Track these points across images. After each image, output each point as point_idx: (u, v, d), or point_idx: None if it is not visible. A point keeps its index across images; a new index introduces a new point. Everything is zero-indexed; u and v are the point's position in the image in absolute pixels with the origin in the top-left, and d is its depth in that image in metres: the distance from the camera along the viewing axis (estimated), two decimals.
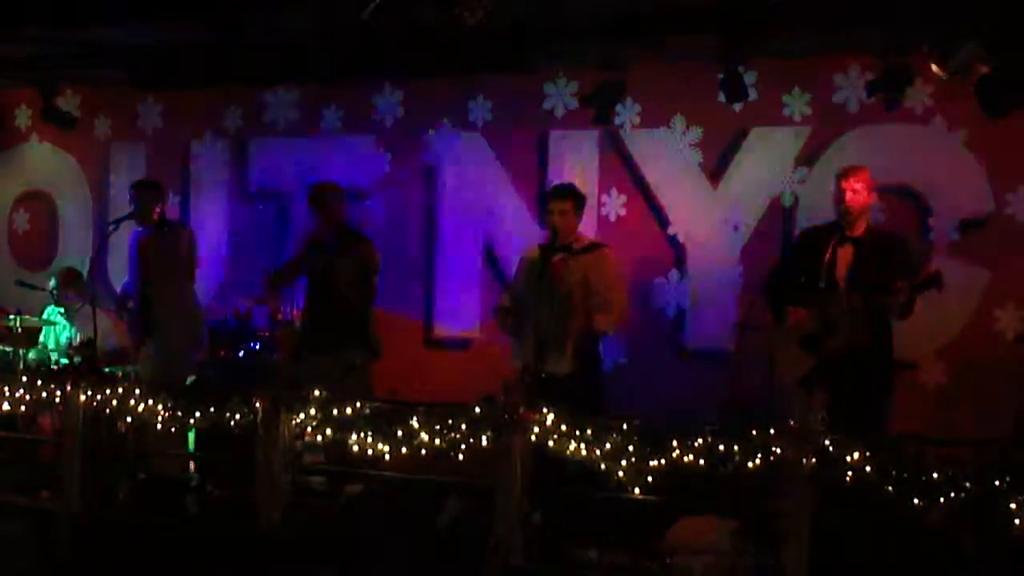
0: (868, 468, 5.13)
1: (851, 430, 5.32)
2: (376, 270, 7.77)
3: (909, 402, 6.80)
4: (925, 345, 7.69)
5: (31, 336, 9.42)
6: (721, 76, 7.62)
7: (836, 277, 6.62)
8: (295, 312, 8.16)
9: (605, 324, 7.25)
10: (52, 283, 9.43)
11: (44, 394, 6.91)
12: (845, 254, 6.65)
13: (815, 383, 6.53)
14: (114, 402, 6.74)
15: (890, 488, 5.11)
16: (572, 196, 7.32)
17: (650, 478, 5.52)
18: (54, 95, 9.55)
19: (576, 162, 8.79)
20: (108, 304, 8.93)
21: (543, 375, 6.88)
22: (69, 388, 6.78)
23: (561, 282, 7.11)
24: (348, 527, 6.43)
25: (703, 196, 8.50)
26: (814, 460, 5.21)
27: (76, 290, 9.19)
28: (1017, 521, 4.90)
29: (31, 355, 9.12)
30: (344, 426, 6.13)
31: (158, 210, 8.38)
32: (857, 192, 6.63)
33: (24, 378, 7.08)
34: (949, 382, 7.73)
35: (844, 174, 6.74)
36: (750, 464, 5.33)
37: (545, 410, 5.72)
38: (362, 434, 6.07)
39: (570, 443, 5.65)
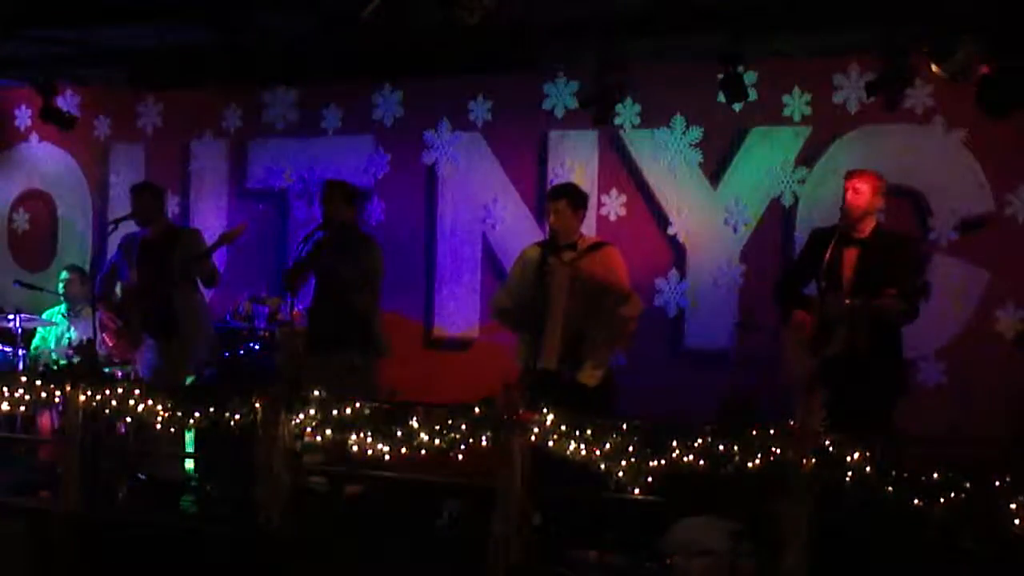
0: (868, 468, 5.12)
1: (852, 432, 5.32)
2: (379, 271, 7.74)
3: (909, 402, 6.79)
4: (925, 345, 7.70)
5: (31, 336, 9.44)
6: (721, 76, 7.62)
7: (840, 278, 6.59)
8: (294, 312, 8.15)
9: (634, 324, 7.19)
10: (64, 275, 9.44)
11: (44, 394, 6.91)
12: (851, 255, 6.62)
13: (817, 385, 6.53)
14: (114, 402, 6.73)
15: (890, 488, 5.11)
16: (566, 195, 7.22)
17: (650, 478, 5.52)
18: (54, 95, 9.55)
19: (575, 162, 8.79)
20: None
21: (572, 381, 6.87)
22: (69, 388, 6.78)
23: (588, 284, 7.01)
24: (348, 527, 6.43)
25: (703, 196, 8.50)
26: (814, 460, 5.21)
27: (85, 290, 9.20)
28: (1017, 521, 4.90)
29: (31, 355, 9.14)
30: (344, 426, 6.13)
31: (157, 213, 8.33)
32: (859, 193, 6.60)
33: (24, 378, 7.08)
34: (949, 382, 7.73)
35: (849, 175, 6.73)
36: (750, 464, 5.33)
37: (545, 410, 5.72)
38: (362, 434, 6.06)
39: (570, 443, 5.65)
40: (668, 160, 8.58)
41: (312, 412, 6.19)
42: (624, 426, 5.60)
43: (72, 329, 9.26)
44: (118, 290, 8.38)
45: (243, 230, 8.24)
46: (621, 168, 8.73)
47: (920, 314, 6.63)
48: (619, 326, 7.00)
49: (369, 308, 7.65)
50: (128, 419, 7.07)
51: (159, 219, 8.27)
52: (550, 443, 5.67)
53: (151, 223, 8.19)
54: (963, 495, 5.01)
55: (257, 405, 6.30)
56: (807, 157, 8.20)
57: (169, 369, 7.92)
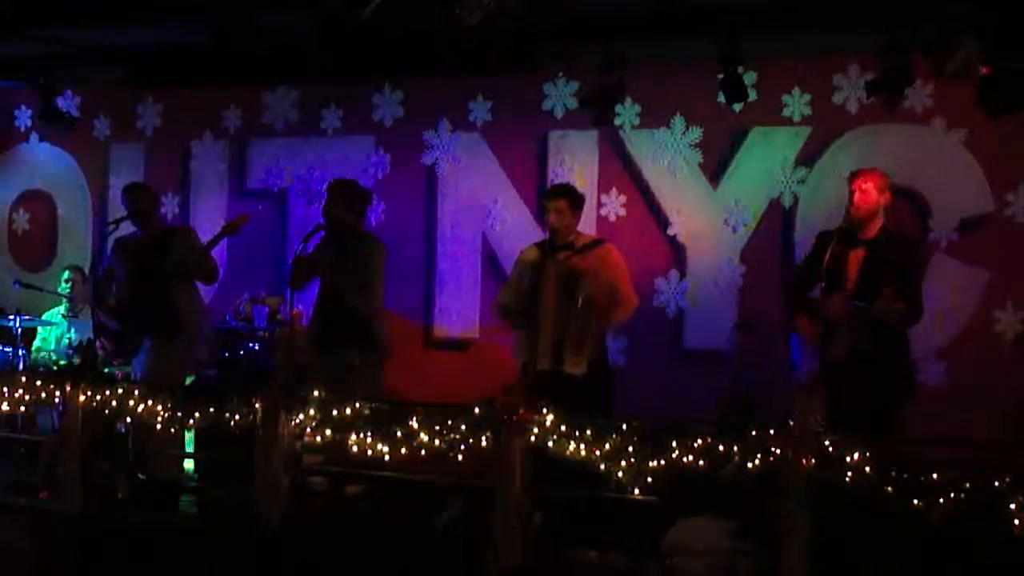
0: (868, 468, 5.12)
1: (854, 432, 5.31)
2: (379, 271, 7.72)
3: (909, 402, 6.78)
4: (925, 345, 7.70)
5: (31, 336, 9.45)
6: (721, 76, 7.62)
7: (845, 280, 6.56)
8: (294, 312, 8.15)
9: (621, 319, 7.28)
10: (67, 275, 9.43)
11: (44, 394, 6.91)
12: (856, 256, 6.59)
13: (819, 387, 6.51)
14: (114, 402, 6.73)
15: (890, 488, 5.11)
16: (566, 194, 7.31)
17: (650, 478, 5.52)
18: (54, 95, 9.55)
19: (575, 162, 8.79)
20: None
21: (561, 374, 6.91)
22: (69, 388, 6.77)
23: (575, 281, 7.08)
24: (348, 527, 6.43)
25: (703, 196, 8.50)
26: (814, 460, 5.21)
27: (85, 291, 9.20)
28: (1017, 521, 4.90)
29: (32, 356, 9.14)
30: (344, 426, 6.13)
31: (153, 213, 8.33)
32: (866, 193, 6.57)
33: (24, 378, 7.07)
34: (949, 382, 7.73)
35: (853, 175, 6.71)
36: (750, 464, 5.33)
37: (545, 410, 5.72)
38: (362, 434, 6.06)
39: (570, 443, 5.65)
40: (668, 160, 8.59)
41: (312, 412, 6.19)
42: (624, 426, 5.60)
43: (72, 329, 9.26)
44: (114, 291, 8.36)
45: (246, 220, 8.25)
46: (621, 168, 8.73)
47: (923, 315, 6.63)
48: (592, 310, 7.01)
49: (370, 308, 7.65)
50: (128, 419, 7.06)
51: (153, 220, 8.26)
52: (550, 443, 5.67)
53: (146, 224, 8.18)
54: (963, 495, 5.00)
55: (257, 405, 6.30)
56: (807, 157, 8.21)
57: (169, 369, 7.90)
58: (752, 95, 7.92)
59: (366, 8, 6.75)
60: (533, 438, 5.70)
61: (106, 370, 7.55)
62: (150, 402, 6.64)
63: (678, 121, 8.54)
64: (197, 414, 6.54)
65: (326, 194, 7.83)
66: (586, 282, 7.04)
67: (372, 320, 7.64)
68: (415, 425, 5.94)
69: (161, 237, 8.15)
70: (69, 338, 9.16)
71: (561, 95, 8.85)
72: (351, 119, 9.57)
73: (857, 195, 6.59)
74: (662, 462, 5.48)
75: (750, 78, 7.93)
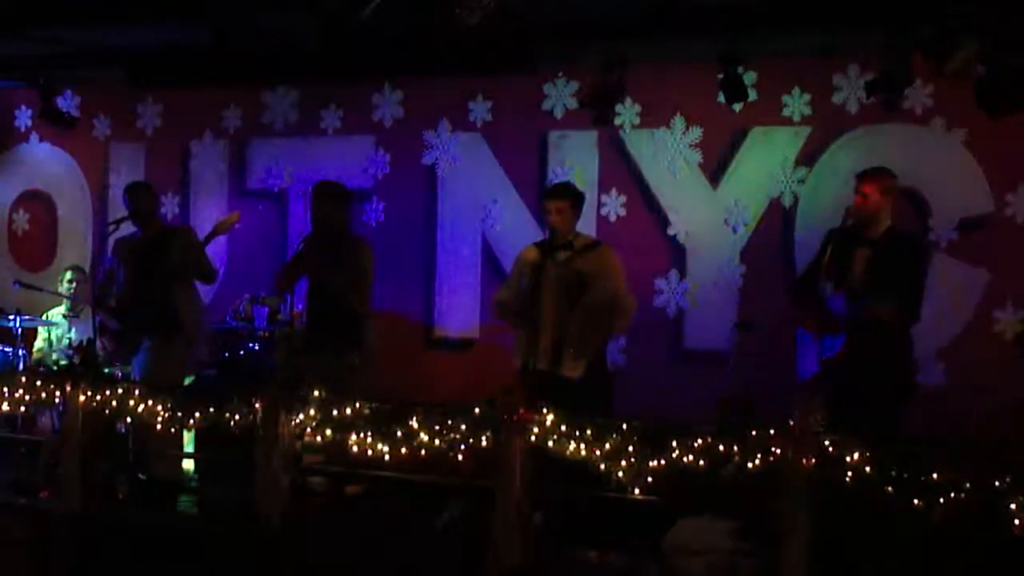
0: (868, 468, 5.12)
1: (853, 432, 5.31)
2: (368, 273, 7.71)
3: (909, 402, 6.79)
4: (925, 345, 7.70)
5: (31, 337, 9.44)
6: (721, 76, 7.62)
7: (851, 279, 6.56)
8: (294, 312, 8.15)
9: (622, 324, 7.26)
10: (70, 275, 9.43)
11: (44, 394, 6.91)
12: (862, 255, 6.60)
13: (818, 388, 6.51)
14: (114, 402, 6.73)
15: (890, 488, 5.11)
16: (569, 194, 7.30)
17: (650, 478, 5.52)
18: (54, 95, 9.55)
19: (575, 162, 8.79)
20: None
21: (558, 377, 6.92)
22: (69, 388, 6.77)
23: (578, 284, 7.07)
24: (348, 527, 6.43)
25: (703, 196, 8.50)
26: (814, 460, 5.21)
27: (85, 291, 9.19)
28: (1017, 521, 4.90)
29: (35, 357, 9.14)
30: (344, 426, 6.13)
31: (153, 213, 8.32)
32: (866, 198, 6.59)
33: (24, 378, 7.08)
34: (949, 382, 7.73)
35: (859, 177, 6.72)
36: (750, 464, 5.33)
37: (545, 410, 5.72)
38: (362, 434, 6.06)
39: (570, 443, 5.65)
40: (668, 160, 8.58)
41: (312, 412, 6.19)
42: (624, 426, 5.60)
43: (72, 329, 9.26)
44: (114, 291, 8.36)
45: (236, 219, 8.25)
46: (621, 168, 8.73)
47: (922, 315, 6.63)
48: (598, 317, 7.00)
49: (359, 310, 7.64)
50: (128, 419, 7.06)
51: (153, 220, 8.25)
52: (550, 443, 5.68)
53: (146, 224, 8.17)
54: (963, 495, 5.01)
55: (257, 405, 6.30)
56: (807, 157, 8.20)
57: (169, 369, 7.91)
58: (752, 95, 7.91)
59: (366, 8, 6.76)
60: (533, 438, 5.70)
61: (106, 370, 7.55)
62: (150, 402, 6.64)
63: (678, 121, 8.53)
64: (197, 414, 6.54)
65: (312, 196, 7.83)
66: (593, 286, 7.03)
67: (361, 322, 7.64)
68: (415, 425, 5.94)
69: (161, 237, 8.15)
70: (69, 338, 9.16)
71: (561, 95, 8.85)
72: (351, 119, 9.57)
73: (857, 199, 6.61)
74: (662, 462, 5.48)
75: (750, 78, 7.93)
